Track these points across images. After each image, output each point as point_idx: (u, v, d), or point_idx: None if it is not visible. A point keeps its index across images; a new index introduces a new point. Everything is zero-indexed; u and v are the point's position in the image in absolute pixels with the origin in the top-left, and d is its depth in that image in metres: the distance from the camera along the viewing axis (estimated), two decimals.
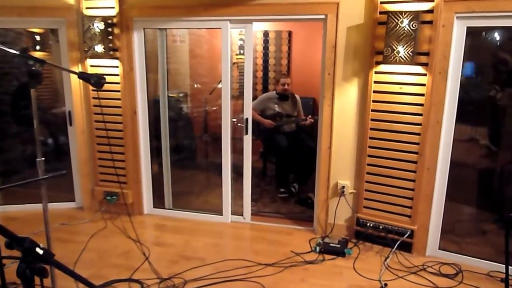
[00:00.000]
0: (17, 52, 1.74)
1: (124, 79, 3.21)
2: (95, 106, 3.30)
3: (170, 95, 4.02)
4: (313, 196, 3.49)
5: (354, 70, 2.82)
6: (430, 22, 2.50)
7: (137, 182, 3.43)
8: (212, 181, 4.32)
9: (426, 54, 2.54)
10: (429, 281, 2.51)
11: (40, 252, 1.17)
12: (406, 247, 2.82)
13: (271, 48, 5.10)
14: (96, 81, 2.00)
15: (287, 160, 4.03)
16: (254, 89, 5.17)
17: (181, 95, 4.59)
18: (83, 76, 2.00)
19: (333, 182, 3.04)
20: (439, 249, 2.80)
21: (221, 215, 3.40)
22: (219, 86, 3.26)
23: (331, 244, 2.90)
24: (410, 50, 2.53)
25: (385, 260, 2.74)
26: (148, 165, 3.46)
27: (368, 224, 2.91)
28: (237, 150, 3.46)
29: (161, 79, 3.49)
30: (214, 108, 4.50)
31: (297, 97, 4.49)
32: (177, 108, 4.48)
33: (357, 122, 2.89)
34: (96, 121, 3.33)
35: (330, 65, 2.84)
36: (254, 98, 4.44)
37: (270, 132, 4.26)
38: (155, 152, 3.55)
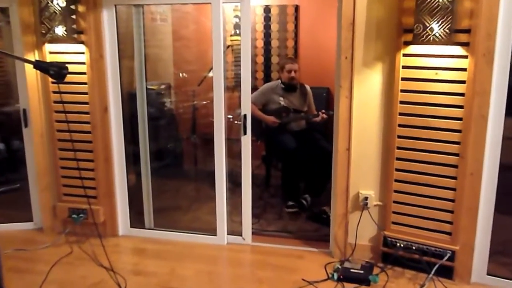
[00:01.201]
0: None
1: (91, 69, 3.21)
2: (56, 102, 3.30)
3: (149, 87, 4.03)
4: (329, 210, 3.48)
5: (377, 52, 2.82)
6: None
7: (109, 196, 3.43)
8: (203, 193, 4.32)
9: (467, 31, 2.53)
10: None
11: None
12: (446, 273, 2.80)
13: (274, 26, 5.10)
14: (57, 71, 2.00)
15: (295, 165, 4.03)
16: (254, 78, 5.17)
17: (163, 87, 4.59)
18: (40, 65, 1.99)
19: (354, 192, 3.03)
20: (488, 274, 2.79)
21: (215, 235, 3.39)
22: (210, 75, 3.26)
23: (352, 270, 2.89)
24: (447, 27, 2.52)
25: None
26: (124, 174, 3.46)
27: (398, 244, 2.90)
28: (233, 154, 3.46)
29: (138, 67, 3.49)
30: (204, 103, 4.50)
31: (307, 87, 4.49)
32: (159, 103, 4.49)
33: (382, 117, 2.88)
34: (58, 121, 3.33)
35: (347, 47, 2.83)
36: (254, 89, 4.44)
37: (274, 132, 4.26)
38: (132, 158, 3.55)
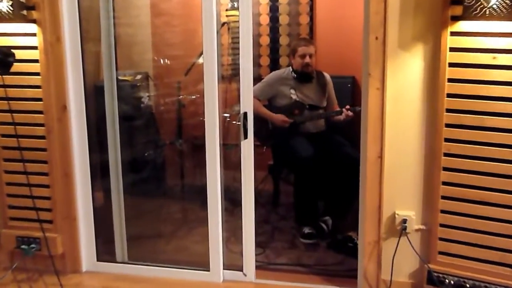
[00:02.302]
0: None
1: (46, 55, 3.23)
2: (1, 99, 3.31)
3: (121, 78, 4.04)
4: (356, 237, 3.47)
5: (416, 31, 2.82)
6: None
7: (70, 221, 3.43)
8: (191, 215, 4.33)
9: None
10: None
11: None
12: None
13: None
14: (0, 59, 2.02)
15: (312, 178, 4.04)
16: (257, 65, 5.19)
17: (138, 77, 4.61)
18: None
19: (388, 213, 3.03)
20: None
21: (208, 270, 3.40)
22: (200, 61, 3.27)
23: None
24: None
25: None
26: (88, 192, 3.47)
27: (447, 281, 2.89)
28: (231, 164, 3.46)
29: (105, 53, 3.50)
30: (193, 98, 4.52)
31: (327, 76, 4.50)
32: (133, 98, 4.50)
33: (424, 115, 2.88)
34: (2, 124, 3.34)
35: (378, 25, 2.83)
36: (258, 80, 4.45)
37: (284, 134, 4.27)
38: (99, 171, 3.56)
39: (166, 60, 4.94)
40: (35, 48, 3.21)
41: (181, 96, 4.57)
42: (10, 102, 3.24)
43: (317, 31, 5.09)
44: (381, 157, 2.96)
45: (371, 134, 2.95)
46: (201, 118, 3.28)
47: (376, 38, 2.85)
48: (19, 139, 3.28)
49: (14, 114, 3.27)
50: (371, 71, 2.89)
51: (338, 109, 4.37)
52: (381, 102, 2.90)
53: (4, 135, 3.35)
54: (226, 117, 3.86)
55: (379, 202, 3.01)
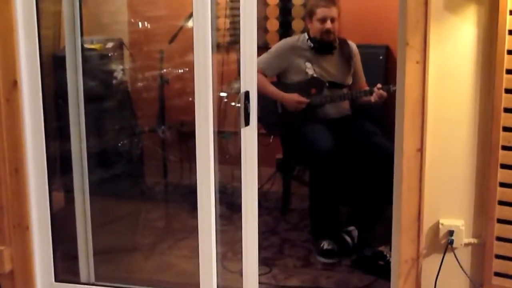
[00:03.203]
0: None
1: None
2: None
3: (87, 46, 4.05)
4: (389, 253, 3.48)
5: None
6: None
7: (21, 230, 3.45)
8: (177, 223, 4.35)
9: None
10: None
11: None
12: None
13: None
14: None
15: (333, 178, 4.05)
16: (262, 30, 5.19)
17: (110, 45, 4.63)
18: None
19: (430, 223, 3.04)
20: None
21: None
22: (189, 24, 3.28)
23: None
24: None
25: None
26: (45, 193, 3.48)
27: None
28: (228, 157, 3.48)
29: (67, 13, 3.51)
30: (180, 72, 4.54)
31: (353, 46, 4.51)
32: (103, 72, 4.51)
33: (477, 97, 2.88)
34: None
35: None
36: (264, 49, 4.46)
37: (298, 120, 4.29)
38: (59, 166, 3.57)
39: (145, 23, 4.95)
40: None
41: (164, 70, 4.59)
42: None
43: None
44: (421, 150, 2.96)
45: (409, 121, 2.95)
46: (190, 98, 3.29)
47: None
48: None
49: None
50: (410, 40, 2.88)
51: (367, 88, 4.38)
52: (422, 79, 2.90)
53: None
54: (222, 97, 3.88)
55: (419, 209, 3.01)
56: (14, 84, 3.31)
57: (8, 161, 3.36)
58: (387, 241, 3.35)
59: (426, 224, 3.03)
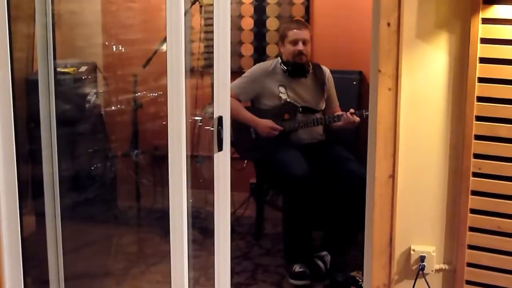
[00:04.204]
0: None
1: None
2: None
3: (60, 69, 4.03)
4: (361, 278, 3.48)
5: (439, 16, 2.85)
6: None
7: None
8: (149, 248, 4.33)
9: None
10: None
11: None
12: None
13: None
14: None
15: (306, 202, 4.05)
16: (237, 55, 5.21)
17: (83, 69, 4.61)
18: None
19: (402, 249, 3.05)
20: None
21: None
22: (163, 48, 3.29)
23: None
24: None
25: None
26: (15, 217, 3.45)
27: None
28: (202, 182, 3.47)
29: (40, 36, 3.50)
30: (154, 95, 4.53)
31: (326, 71, 4.54)
32: (76, 96, 4.50)
33: (448, 124, 2.90)
34: None
35: (391, 7, 2.85)
36: (238, 74, 4.47)
37: (272, 146, 4.29)
38: (30, 189, 3.55)
39: (119, 46, 4.94)
40: None
41: (138, 94, 4.58)
42: None
43: (314, 13, 5.13)
44: (393, 176, 2.97)
45: (381, 147, 2.97)
46: (164, 122, 3.28)
47: (388, 24, 2.87)
48: None
49: None
50: (382, 67, 2.90)
51: (340, 113, 4.39)
52: (394, 106, 2.92)
53: None
54: (196, 121, 3.88)
55: (390, 235, 3.02)
56: None
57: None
58: (360, 267, 3.35)
59: (398, 250, 3.04)
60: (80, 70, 4.55)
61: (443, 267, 3.01)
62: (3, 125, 3.36)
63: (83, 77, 4.57)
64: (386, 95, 2.93)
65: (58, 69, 3.69)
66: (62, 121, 3.59)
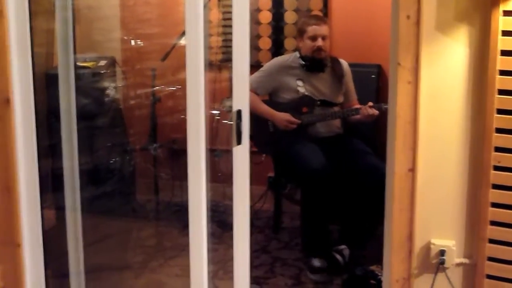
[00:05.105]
0: None
1: None
2: None
3: (80, 63, 4.05)
4: (381, 272, 3.47)
5: (459, 9, 2.83)
6: None
7: (12, 247, 3.43)
8: (168, 241, 4.33)
9: None
10: None
11: None
12: None
13: None
14: None
15: (324, 196, 4.05)
16: (254, 49, 5.21)
17: (102, 63, 4.62)
18: None
19: (422, 243, 3.04)
20: None
21: None
22: (182, 42, 3.28)
23: None
24: None
25: None
26: (36, 211, 3.47)
27: None
28: (220, 176, 3.47)
29: (61, 31, 3.51)
30: (172, 89, 4.54)
31: (344, 64, 4.53)
32: (95, 90, 4.51)
33: (469, 117, 2.89)
34: None
35: (411, 0, 2.85)
36: (256, 67, 4.47)
37: (289, 139, 4.29)
38: (51, 183, 3.56)
39: (137, 40, 4.95)
40: None
41: (156, 88, 4.58)
42: None
43: (333, 6, 5.11)
44: (413, 170, 2.96)
45: (400, 141, 2.96)
46: (182, 116, 3.28)
47: (408, 17, 2.86)
48: None
49: None
50: (401, 60, 2.90)
51: (358, 106, 4.38)
52: (413, 99, 2.91)
53: None
54: (214, 114, 3.88)
55: (410, 229, 3.01)
56: (6, 102, 3.30)
57: (0, 178, 3.36)
58: (379, 260, 3.34)
59: (418, 244, 3.03)
60: (99, 64, 4.57)
61: (464, 261, 2.99)
62: (24, 119, 3.38)
63: (102, 71, 4.59)
64: (406, 88, 2.92)
65: (78, 64, 3.70)
66: (82, 115, 3.61)
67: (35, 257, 3.52)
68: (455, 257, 2.99)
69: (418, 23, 2.85)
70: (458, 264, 3.00)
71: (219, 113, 3.91)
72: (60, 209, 3.61)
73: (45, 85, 3.54)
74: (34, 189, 3.44)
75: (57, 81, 3.52)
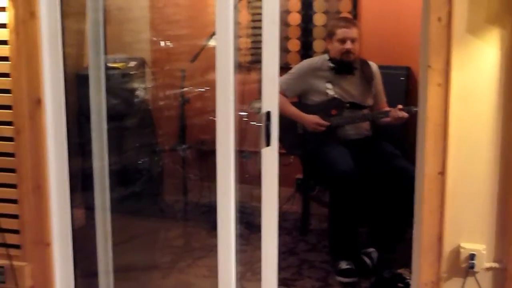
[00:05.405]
0: None
1: (17, 35, 3.26)
2: None
3: (110, 64, 4.07)
4: (409, 275, 3.45)
5: (491, 11, 2.81)
6: None
7: (42, 246, 3.46)
8: (196, 242, 4.34)
9: None
10: None
11: None
12: None
13: None
14: None
15: (353, 199, 4.04)
16: (283, 50, 5.20)
17: (132, 64, 4.65)
18: None
19: (451, 246, 3.01)
20: None
21: None
22: (211, 44, 3.29)
23: None
24: None
25: None
26: (66, 210, 3.49)
27: None
28: (248, 177, 3.47)
29: (91, 32, 3.53)
30: (201, 90, 4.55)
31: (374, 67, 4.51)
32: (125, 91, 4.53)
33: (501, 120, 2.87)
34: None
35: (442, 2, 2.83)
36: (285, 69, 4.47)
37: (318, 141, 4.28)
38: (81, 182, 3.58)
39: (167, 42, 4.97)
40: (3, 26, 3.25)
41: (185, 89, 4.60)
42: None
43: (362, 8, 5.09)
44: (443, 173, 2.95)
45: (430, 144, 2.94)
46: (211, 117, 3.29)
47: (439, 19, 2.84)
48: None
49: None
50: (432, 62, 2.88)
51: (387, 108, 4.36)
52: (444, 102, 2.89)
53: None
54: (242, 116, 3.88)
55: (440, 232, 2.99)
56: (38, 102, 3.33)
57: (31, 177, 3.38)
58: (407, 264, 3.33)
59: (447, 248, 3.01)
60: (129, 65, 4.60)
61: (494, 266, 2.96)
62: (55, 119, 3.41)
63: (132, 72, 4.61)
64: (436, 91, 2.90)
65: (108, 64, 3.72)
66: (112, 116, 3.62)
67: (64, 256, 3.55)
68: (485, 261, 2.96)
69: (449, 25, 2.83)
70: (488, 269, 2.97)
71: (246, 114, 3.91)
72: (89, 208, 3.63)
73: (76, 85, 3.56)
74: (64, 189, 3.47)
75: (88, 82, 3.54)
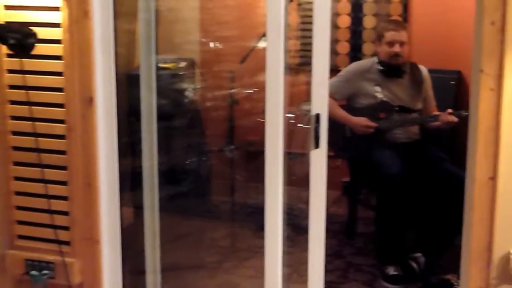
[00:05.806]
0: None
1: (71, 35, 3.29)
2: (12, 88, 3.40)
3: (160, 65, 4.10)
4: (457, 281, 3.42)
5: None
6: None
7: (91, 243, 3.49)
8: (243, 242, 4.35)
9: None
10: None
11: None
12: None
13: None
14: (19, 40, 2.09)
15: (401, 202, 4.01)
16: (333, 53, 5.19)
17: (182, 65, 4.68)
18: None
19: (501, 253, 2.97)
20: None
21: None
22: (261, 45, 3.30)
23: None
24: None
25: None
26: (116, 208, 3.53)
27: None
28: (295, 179, 3.47)
29: (143, 32, 3.56)
30: (250, 92, 4.56)
31: (424, 70, 4.48)
32: (175, 91, 4.57)
33: None
34: (14, 118, 3.44)
35: (496, 5, 2.80)
36: (334, 72, 4.46)
37: (366, 144, 4.27)
38: (130, 181, 3.62)
39: (216, 43, 5.00)
40: (57, 25, 3.27)
41: (234, 90, 4.61)
42: (29, 91, 3.31)
43: (413, 11, 5.06)
44: (494, 178, 2.91)
45: (481, 148, 2.91)
46: (259, 119, 3.30)
47: (493, 23, 2.81)
48: (37, 138, 3.37)
49: (31, 107, 3.34)
50: (484, 67, 2.85)
51: (437, 112, 4.33)
52: (496, 107, 2.86)
53: (16, 133, 3.43)
54: (290, 118, 3.89)
55: (490, 238, 2.96)
56: (90, 101, 3.37)
57: (82, 175, 3.42)
58: (455, 270, 3.30)
59: (497, 254, 2.97)
60: (179, 66, 4.63)
61: None
62: (106, 118, 3.45)
63: (182, 73, 4.65)
64: (488, 96, 2.87)
65: (158, 65, 3.76)
66: (161, 116, 3.66)
67: (113, 254, 3.59)
68: None
69: (503, 29, 2.80)
70: None
71: (295, 117, 3.91)
72: (138, 207, 3.66)
73: (127, 85, 3.60)
74: (114, 187, 3.51)
75: (139, 82, 3.57)
